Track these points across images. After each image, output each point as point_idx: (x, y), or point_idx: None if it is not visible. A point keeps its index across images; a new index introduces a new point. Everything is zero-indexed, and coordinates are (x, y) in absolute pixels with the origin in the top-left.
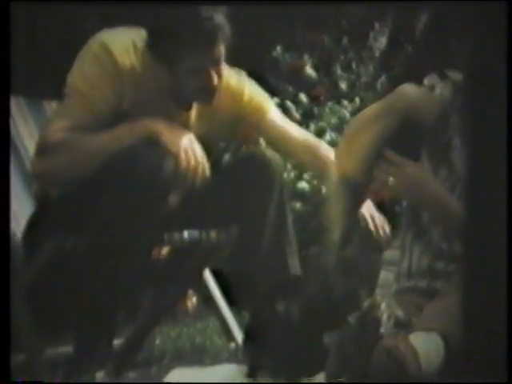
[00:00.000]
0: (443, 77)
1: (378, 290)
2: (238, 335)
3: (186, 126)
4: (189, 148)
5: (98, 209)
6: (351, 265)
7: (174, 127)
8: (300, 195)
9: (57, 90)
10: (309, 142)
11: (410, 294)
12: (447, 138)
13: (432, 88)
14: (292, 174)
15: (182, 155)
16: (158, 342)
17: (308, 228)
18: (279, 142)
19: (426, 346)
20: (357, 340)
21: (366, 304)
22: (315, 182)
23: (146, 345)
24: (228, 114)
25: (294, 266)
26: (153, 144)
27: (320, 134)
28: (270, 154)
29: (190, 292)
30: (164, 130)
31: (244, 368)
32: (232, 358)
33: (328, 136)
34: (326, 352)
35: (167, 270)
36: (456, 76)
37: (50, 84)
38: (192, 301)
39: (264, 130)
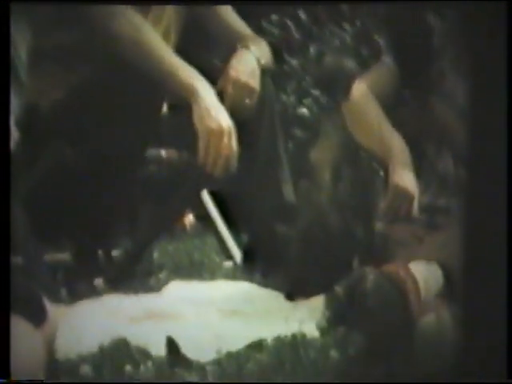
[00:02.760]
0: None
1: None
2: (237, 255)
3: None
4: (217, 135)
5: (95, 119)
6: (344, 201)
7: (217, 105)
8: (300, 121)
9: None
10: None
11: (410, 226)
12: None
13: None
14: (292, 99)
15: (203, 144)
16: (156, 255)
17: (307, 157)
18: None
19: (425, 274)
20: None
21: (354, 274)
22: (315, 108)
23: (144, 257)
24: None
25: (288, 193)
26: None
27: (320, 56)
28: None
29: (188, 211)
30: (206, 101)
31: (242, 285)
32: (230, 275)
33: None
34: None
35: (166, 189)
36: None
37: None
38: (189, 219)
39: None
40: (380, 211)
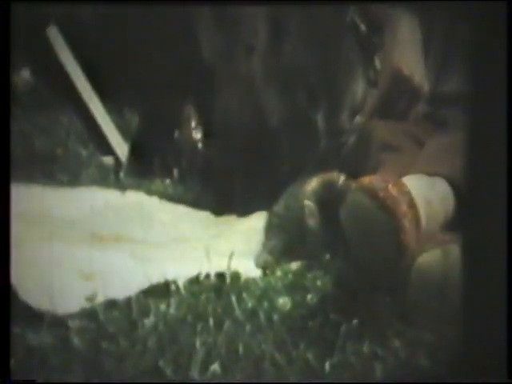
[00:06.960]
0: None
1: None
2: (120, 147)
3: None
4: None
5: None
6: (288, 81)
7: None
8: None
9: None
10: None
11: (405, 122)
12: None
13: None
14: None
15: None
16: None
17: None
18: None
19: (427, 192)
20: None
21: (316, 186)
22: None
23: None
24: None
25: (207, 50)
26: None
27: None
28: None
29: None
30: None
31: (132, 196)
32: (109, 180)
33: None
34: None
35: None
36: None
37: None
38: (22, 77)
39: None
40: (364, 103)
